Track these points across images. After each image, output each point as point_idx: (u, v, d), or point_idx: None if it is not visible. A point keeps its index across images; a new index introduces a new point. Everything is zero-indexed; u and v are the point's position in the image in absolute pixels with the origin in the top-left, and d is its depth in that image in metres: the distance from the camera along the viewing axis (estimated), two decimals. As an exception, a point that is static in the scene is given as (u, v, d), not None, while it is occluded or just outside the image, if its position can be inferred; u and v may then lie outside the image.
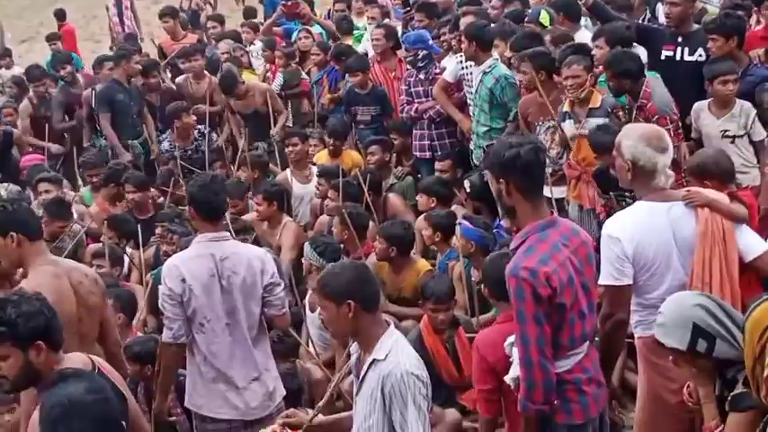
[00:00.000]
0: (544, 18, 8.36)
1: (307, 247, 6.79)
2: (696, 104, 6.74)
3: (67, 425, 2.73)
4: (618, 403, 5.52)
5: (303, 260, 6.84)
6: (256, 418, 5.02)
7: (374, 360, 3.72)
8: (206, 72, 10.67)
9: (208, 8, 16.91)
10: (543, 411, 3.89)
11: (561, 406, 3.94)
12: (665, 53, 7.25)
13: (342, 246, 6.98)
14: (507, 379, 4.07)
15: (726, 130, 6.53)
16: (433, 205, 7.53)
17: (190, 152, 9.63)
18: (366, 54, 9.95)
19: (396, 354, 3.71)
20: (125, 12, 15.73)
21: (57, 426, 2.74)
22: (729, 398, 3.56)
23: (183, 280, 4.89)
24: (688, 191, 4.46)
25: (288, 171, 8.93)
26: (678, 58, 7.21)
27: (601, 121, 6.58)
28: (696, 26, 7.38)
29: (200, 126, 9.81)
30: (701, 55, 7.12)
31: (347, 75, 9.42)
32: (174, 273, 4.93)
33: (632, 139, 4.33)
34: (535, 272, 3.80)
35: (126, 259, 7.63)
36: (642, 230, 4.26)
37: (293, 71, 10.61)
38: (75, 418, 2.75)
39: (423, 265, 6.94)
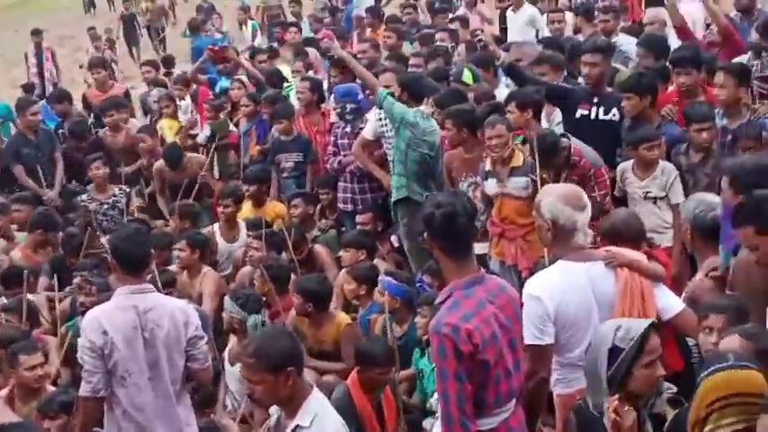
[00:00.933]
0: (467, 77, 8.49)
1: (227, 300, 6.71)
2: (621, 165, 6.89)
3: None
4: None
5: (224, 314, 6.76)
6: None
7: (297, 426, 3.68)
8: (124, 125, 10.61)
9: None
10: None
11: None
12: (580, 112, 7.43)
13: (263, 298, 6.93)
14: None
15: (648, 191, 6.67)
16: (362, 258, 7.53)
17: (106, 207, 9.49)
18: None
19: (321, 421, 3.69)
20: (45, 63, 15.62)
21: None
22: None
23: (105, 332, 4.79)
24: (608, 251, 4.54)
25: (216, 226, 8.84)
26: (593, 116, 7.40)
27: (523, 180, 6.68)
28: (609, 89, 7.58)
29: (123, 186, 9.78)
30: (614, 114, 7.32)
31: (273, 123, 9.43)
32: (94, 324, 4.82)
33: (551, 197, 4.40)
34: (457, 328, 3.81)
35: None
36: (563, 290, 4.31)
37: (221, 122, 10.55)
38: None
39: (343, 318, 6.90)
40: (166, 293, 6.38)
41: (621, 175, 6.83)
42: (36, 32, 17.12)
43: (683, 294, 5.01)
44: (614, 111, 7.32)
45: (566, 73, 8.44)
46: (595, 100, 7.40)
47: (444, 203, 3.94)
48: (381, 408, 5.81)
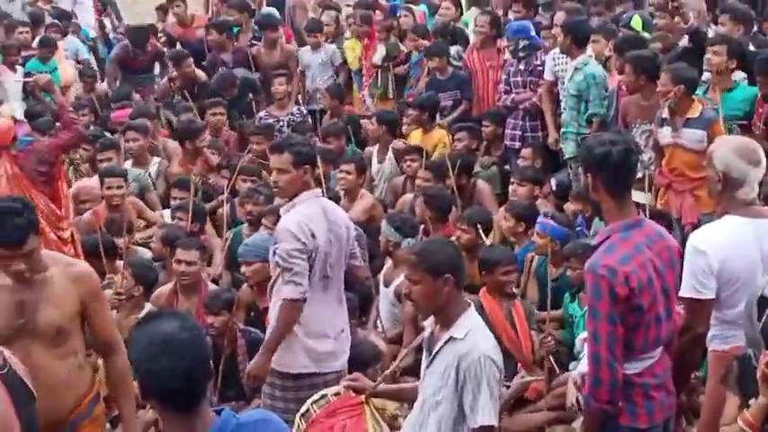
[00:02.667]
0: (636, 23, 8.30)
1: (384, 223, 6.83)
2: None
3: None
4: (685, 418, 5.45)
5: (380, 237, 6.88)
6: (332, 371, 5.07)
7: (451, 338, 3.74)
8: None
9: None
10: (606, 411, 3.87)
11: (626, 408, 3.90)
12: None
13: (422, 226, 7.00)
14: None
15: None
16: (536, 194, 7.54)
17: (281, 124, 9.71)
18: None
19: (474, 335, 3.73)
20: None
21: None
22: None
23: (314, 236, 4.93)
24: None
25: (375, 148, 9.01)
26: None
27: (699, 132, 6.51)
28: None
29: (302, 107, 10.08)
30: None
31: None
32: (305, 229, 4.92)
33: (725, 149, 4.28)
34: (614, 270, 3.77)
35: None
36: (729, 245, 4.19)
37: (393, 43, 10.63)
38: None
39: None
40: None
41: None
42: None
43: None
44: None
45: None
46: None
47: (619, 141, 3.90)
48: (513, 318, 5.88)
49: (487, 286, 5.92)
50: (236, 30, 11.36)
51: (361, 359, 5.32)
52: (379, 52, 10.59)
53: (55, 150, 6.62)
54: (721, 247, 4.18)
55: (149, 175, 8.70)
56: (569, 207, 7.32)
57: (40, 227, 4.05)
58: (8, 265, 3.88)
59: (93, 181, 8.19)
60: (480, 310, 5.60)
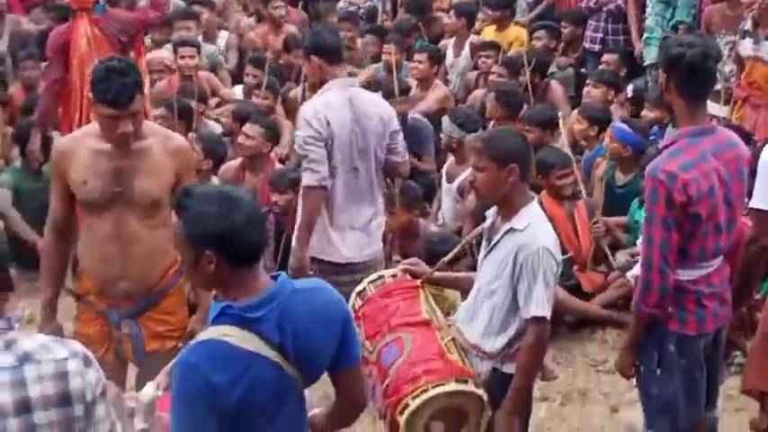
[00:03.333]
0: None
1: (445, 119, 6.77)
2: None
3: None
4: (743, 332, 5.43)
5: (441, 134, 6.84)
6: (363, 261, 5.10)
7: (512, 228, 3.75)
8: None
9: None
10: (654, 315, 3.87)
11: (676, 314, 3.89)
12: None
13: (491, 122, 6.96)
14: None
15: None
16: (610, 98, 7.44)
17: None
18: None
19: (534, 227, 3.74)
20: None
21: None
22: None
23: (329, 123, 4.92)
24: None
25: (451, 41, 8.91)
26: None
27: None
28: None
29: None
30: None
31: None
32: (319, 116, 4.93)
33: None
34: (674, 176, 3.72)
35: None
36: None
37: None
38: None
39: None
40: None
41: None
42: None
43: None
44: None
45: None
46: None
47: (695, 44, 3.80)
48: (574, 218, 5.89)
49: (546, 189, 5.90)
50: None
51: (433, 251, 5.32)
52: None
53: (137, 24, 6.61)
54: None
55: (219, 48, 8.72)
56: (646, 115, 7.20)
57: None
58: (115, 126, 3.83)
59: (165, 52, 8.26)
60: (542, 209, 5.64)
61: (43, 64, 7.52)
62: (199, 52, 7.89)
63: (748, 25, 6.57)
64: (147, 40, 8.25)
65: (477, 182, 3.85)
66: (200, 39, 8.67)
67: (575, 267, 5.98)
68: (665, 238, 3.75)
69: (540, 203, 5.54)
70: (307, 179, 4.93)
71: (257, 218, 2.59)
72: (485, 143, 3.84)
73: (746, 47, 6.58)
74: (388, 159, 5.15)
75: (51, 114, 6.55)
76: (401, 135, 5.24)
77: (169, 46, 8.43)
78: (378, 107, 5.13)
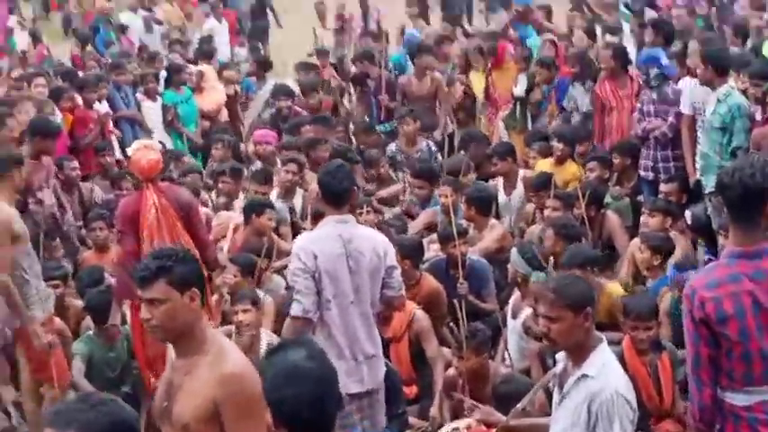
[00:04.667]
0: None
1: (514, 253, 6.80)
2: None
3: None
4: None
5: (509, 267, 6.88)
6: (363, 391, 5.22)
7: (584, 375, 3.74)
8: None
9: None
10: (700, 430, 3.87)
11: None
12: None
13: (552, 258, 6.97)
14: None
15: None
16: (667, 226, 7.44)
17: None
18: None
19: (606, 372, 3.74)
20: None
21: None
22: None
23: (316, 257, 5.11)
24: None
25: (500, 180, 9.04)
26: None
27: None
28: None
29: (430, 143, 10.13)
30: None
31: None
32: (307, 250, 5.15)
33: None
34: (694, 292, 3.82)
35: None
36: None
37: (533, 73, 10.70)
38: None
39: (615, 289, 6.72)
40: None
41: None
42: None
43: None
44: None
45: None
46: None
47: (739, 168, 3.86)
48: (658, 375, 5.77)
49: (630, 339, 5.77)
50: None
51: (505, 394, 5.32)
52: (521, 84, 10.66)
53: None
54: None
55: (292, 208, 8.86)
56: (722, 241, 7.10)
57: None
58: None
59: (230, 214, 8.45)
60: (621, 362, 5.55)
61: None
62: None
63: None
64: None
65: (551, 332, 3.85)
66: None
67: (651, 420, 5.85)
68: (695, 354, 3.84)
69: (621, 356, 5.51)
70: (293, 309, 5.13)
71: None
72: (557, 293, 3.86)
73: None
74: (383, 294, 5.31)
75: (130, 288, 6.44)
76: (398, 270, 5.41)
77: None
78: (372, 243, 5.30)
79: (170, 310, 3.43)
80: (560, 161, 8.94)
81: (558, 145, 8.97)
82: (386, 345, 6.27)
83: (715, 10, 11.64)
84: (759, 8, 11.12)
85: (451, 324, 6.12)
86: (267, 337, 6.49)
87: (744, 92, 7.69)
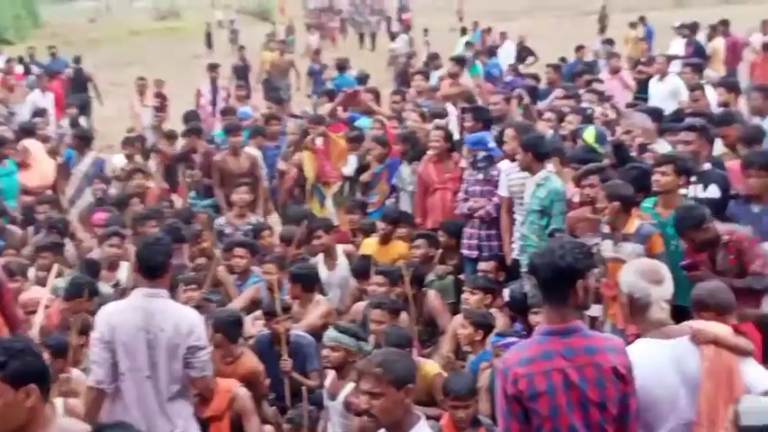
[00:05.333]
0: (589, 135, 8.51)
1: (330, 330, 6.67)
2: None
3: None
4: None
5: (325, 348, 6.69)
6: None
7: None
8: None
9: None
10: None
11: None
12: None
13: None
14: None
15: None
16: (486, 303, 7.59)
17: (240, 233, 9.82)
18: None
19: None
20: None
21: None
22: None
23: (113, 328, 5.14)
24: (690, 326, 4.43)
25: (319, 257, 9.07)
26: (692, 195, 7.36)
27: (637, 247, 6.62)
28: (708, 165, 7.57)
29: (260, 218, 10.30)
30: (713, 191, 7.35)
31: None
32: (105, 320, 5.20)
33: (629, 272, 4.43)
34: (507, 369, 3.95)
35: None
36: (646, 368, 4.21)
37: (363, 153, 10.88)
38: None
39: (431, 368, 6.76)
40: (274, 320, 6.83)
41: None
42: (213, 67, 17.23)
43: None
44: (713, 187, 7.33)
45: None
46: (693, 178, 7.34)
47: (550, 250, 4.04)
48: None
49: (448, 415, 5.88)
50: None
51: None
52: (351, 164, 10.81)
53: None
54: (638, 371, 4.15)
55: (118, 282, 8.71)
56: (533, 319, 7.32)
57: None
58: None
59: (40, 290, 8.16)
60: None
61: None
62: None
63: (606, 228, 6.90)
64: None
65: (374, 408, 3.87)
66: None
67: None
68: (506, 428, 3.94)
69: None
70: (88, 379, 5.21)
71: None
72: (382, 367, 3.89)
73: (607, 249, 6.87)
74: (185, 373, 5.29)
75: None
76: (204, 351, 5.38)
77: None
78: (178, 320, 5.27)
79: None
80: (384, 240, 9.04)
81: (380, 224, 9.09)
82: (206, 424, 6.16)
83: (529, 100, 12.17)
84: (568, 98, 11.65)
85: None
86: None
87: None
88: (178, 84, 20.25)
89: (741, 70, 17.05)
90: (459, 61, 14.14)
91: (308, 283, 8.06)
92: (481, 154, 8.96)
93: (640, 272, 4.37)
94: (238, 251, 8.83)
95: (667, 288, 4.36)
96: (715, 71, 15.28)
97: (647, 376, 4.20)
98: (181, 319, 5.31)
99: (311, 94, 19.40)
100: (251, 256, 8.85)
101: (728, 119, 8.79)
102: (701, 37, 17.98)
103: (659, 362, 4.27)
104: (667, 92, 12.30)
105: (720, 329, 4.43)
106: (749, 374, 4.36)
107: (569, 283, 4.01)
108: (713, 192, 7.37)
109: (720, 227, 6.46)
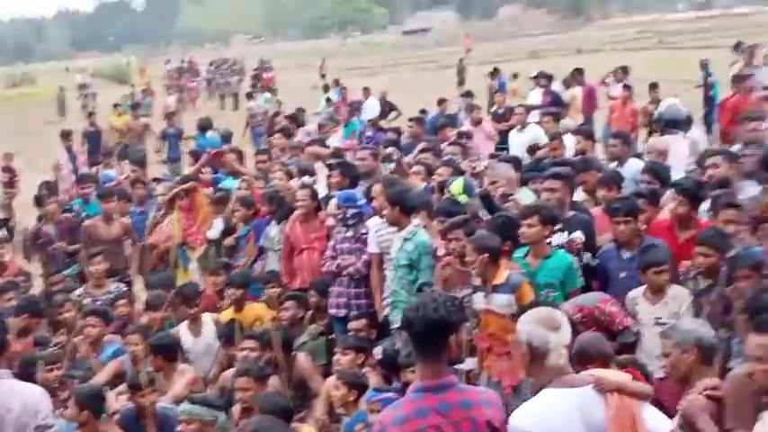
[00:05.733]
0: (456, 187, 8.53)
1: (183, 404, 6.48)
2: (631, 292, 6.80)
3: None
4: None
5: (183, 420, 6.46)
6: None
7: None
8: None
9: None
10: None
11: None
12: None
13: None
14: None
15: (659, 318, 6.53)
16: (359, 362, 7.48)
17: (99, 303, 9.45)
18: None
19: None
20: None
21: None
22: None
23: None
24: (593, 375, 4.41)
25: (182, 325, 8.83)
26: (555, 243, 7.39)
27: (507, 297, 6.60)
28: (571, 212, 7.68)
29: (121, 285, 9.97)
30: (578, 238, 7.46)
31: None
32: None
33: (526, 321, 4.39)
34: (383, 429, 3.98)
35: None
36: (552, 420, 4.17)
37: (229, 215, 10.70)
38: None
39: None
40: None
41: (633, 303, 6.73)
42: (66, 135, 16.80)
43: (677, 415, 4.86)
44: (577, 234, 7.43)
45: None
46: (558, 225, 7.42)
47: (423, 304, 4.04)
48: None
49: None
50: None
51: None
52: (216, 226, 10.61)
53: None
54: (543, 423, 4.14)
55: None
56: (407, 377, 7.20)
57: None
58: None
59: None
60: None
61: None
62: None
63: (477, 281, 6.87)
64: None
65: None
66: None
67: None
68: None
69: None
70: None
71: None
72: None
73: (478, 301, 6.84)
74: None
75: None
76: (51, 429, 5.33)
77: None
78: (25, 399, 5.23)
79: None
80: (238, 307, 8.86)
81: (229, 291, 8.96)
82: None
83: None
84: (426, 151, 11.68)
85: None
86: None
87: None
88: (33, 151, 19.66)
89: (597, 118, 17.53)
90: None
91: (169, 353, 7.85)
92: (351, 211, 8.87)
93: (537, 320, 4.34)
94: (91, 320, 8.49)
95: (565, 335, 4.33)
96: (572, 119, 15.63)
97: (554, 428, 4.16)
98: (29, 398, 5.24)
99: (166, 159, 19.03)
100: (104, 326, 8.53)
101: (587, 165, 9.01)
102: (556, 86, 18.43)
103: (566, 411, 4.20)
104: (527, 142, 12.51)
105: (621, 376, 4.46)
106: (650, 420, 4.37)
107: (443, 337, 4.03)
108: (578, 237, 7.44)
109: (566, 306, 6.50)
